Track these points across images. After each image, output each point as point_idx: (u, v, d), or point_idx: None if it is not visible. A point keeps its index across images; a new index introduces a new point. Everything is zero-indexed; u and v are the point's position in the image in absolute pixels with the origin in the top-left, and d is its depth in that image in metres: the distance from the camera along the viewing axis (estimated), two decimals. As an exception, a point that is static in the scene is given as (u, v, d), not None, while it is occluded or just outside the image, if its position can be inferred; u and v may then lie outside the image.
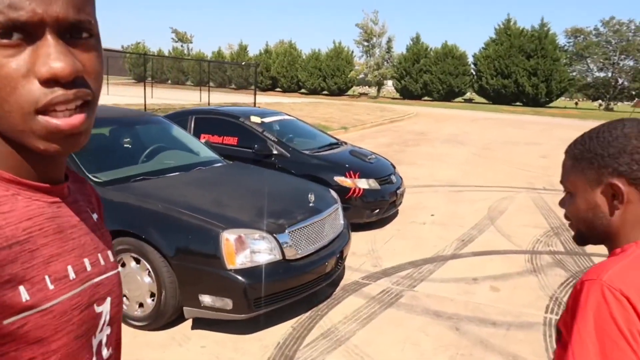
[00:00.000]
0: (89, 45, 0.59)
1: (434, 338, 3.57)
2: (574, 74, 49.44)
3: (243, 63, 41.55)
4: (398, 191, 6.36)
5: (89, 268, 0.69)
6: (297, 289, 3.53)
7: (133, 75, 56.49)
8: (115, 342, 0.77)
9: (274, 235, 3.39)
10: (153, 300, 3.36)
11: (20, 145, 0.59)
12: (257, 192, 4.00)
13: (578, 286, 0.93)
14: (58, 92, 0.55)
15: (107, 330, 0.73)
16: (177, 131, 5.18)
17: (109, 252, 0.76)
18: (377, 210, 6.02)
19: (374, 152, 7.27)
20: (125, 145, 4.60)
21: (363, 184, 5.93)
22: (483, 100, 46.97)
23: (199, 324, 3.54)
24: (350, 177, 5.91)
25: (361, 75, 53.39)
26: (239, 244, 3.24)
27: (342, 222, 4.30)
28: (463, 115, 28.87)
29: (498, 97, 43.82)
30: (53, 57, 0.54)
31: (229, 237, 3.22)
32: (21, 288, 0.56)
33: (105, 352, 0.73)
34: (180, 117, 6.79)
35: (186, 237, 3.27)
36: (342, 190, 5.80)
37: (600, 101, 55.38)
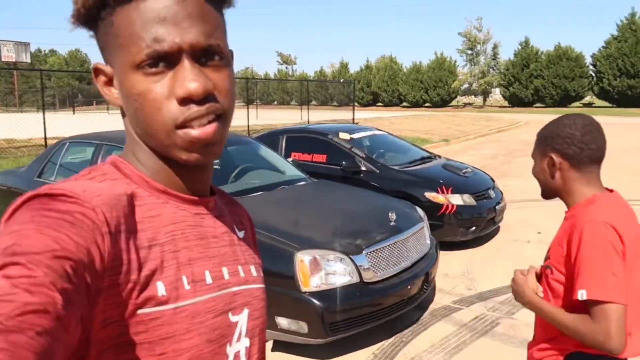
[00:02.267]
0: (220, 66, 0.66)
1: (533, 374, 3.17)
2: None
3: (342, 80, 42.13)
4: (497, 207, 5.89)
5: (226, 277, 0.73)
6: (377, 313, 3.34)
7: (242, 99, 60.03)
8: (256, 357, 0.78)
9: (350, 256, 3.26)
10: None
11: (168, 159, 0.68)
12: (337, 211, 3.90)
13: (578, 228, 1.39)
14: (193, 109, 0.63)
15: (246, 343, 0.75)
16: (265, 151, 5.28)
17: (252, 267, 0.80)
18: (474, 228, 5.61)
19: (475, 164, 6.85)
20: (214, 167, 4.77)
21: (456, 199, 5.57)
22: (605, 103, 42.74)
23: (279, 346, 3.49)
24: (443, 192, 5.59)
25: (465, 85, 51.54)
26: (313, 265, 3.15)
27: (428, 242, 4.04)
28: (581, 121, 26.41)
29: (623, 100, 39.56)
30: (188, 79, 0.62)
31: (303, 258, 3.15)
32: (159, 283, 0.62)
33: None
34: (273, 136, 6.96)
35: (262, 258, 3.25)
36: (434, 207, 5.51)
37: None
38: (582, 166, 1.48)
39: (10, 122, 13.62)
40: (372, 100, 52.76)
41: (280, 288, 3.18)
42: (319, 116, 24.68)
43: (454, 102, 51.00)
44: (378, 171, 5.98)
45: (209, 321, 0.68)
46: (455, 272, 4.99)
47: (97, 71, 0.70)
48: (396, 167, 6.08)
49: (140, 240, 0.63)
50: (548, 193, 1.59)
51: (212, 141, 0.65)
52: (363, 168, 6.02)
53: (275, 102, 58.26)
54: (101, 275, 0.55)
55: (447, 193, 5.59)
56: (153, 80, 0.63)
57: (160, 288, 0.62)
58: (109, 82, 0.69)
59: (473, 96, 59.36)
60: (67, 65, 56.56)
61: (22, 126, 12.40)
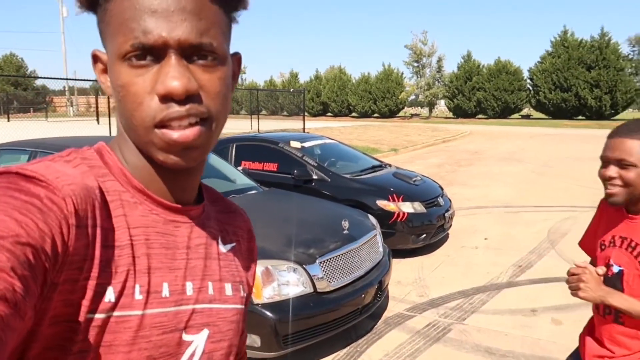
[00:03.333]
0: (212, 66, 0.62)
1: (485, 379, 3.19)
2: (641, 83, 46.55)
3: (292, 90, 42.23)
4: (447, 214, 5.99)
5: (189, 292, 0.68)
6: (331, 323, 3.27)
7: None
8: None
9: (304, 266, 3.18)
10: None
11: (148, 157, 0.65)
12: (289, 220, 3.81)
13: None
14: (173, 109, 0.59)
15: None
16: (214, 159, 5.13)
17: (229, 284, 0.74)
18: (424, 235, 5.67)
19: (423, 173, 6.95)
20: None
21: (407, 207, 5.62)
22: (542, 115, 45.11)
23: (229, 361, 3.35)
24: (394, 200, 5.62)
25: (412, 97, 52.92)
26: (266, 276, 3.05)
27: (381, 249, 4.03)
28: (520, 132, 27.71)
29: (558, 112, 41.91)
30: (170, 75, 0.58)
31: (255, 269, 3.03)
32: (109, 288, 0.59)
33: None
34: (222, 145, 6.80)
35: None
36: (386, 215, 5.52)
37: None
38: None
39: None
40: (322, 111, 53.14)
41: (231, 301, 3.05)
42: (269, 125, 24.54)
43: (401, 113, 52.21)
44: (330, 180, 5.95)
45: (155, 337, 0.62)
46: (407, 279, 5.01)
47: (95, 58, 0.68)
48: (348, 176, 6.07)
49: (102, 238, 0.60)
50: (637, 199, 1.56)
51: (192, 145, 0.61)
52: (315, 177, 5.97)
53: (224, 111, 57.55)
54: (60, 268, 0.53)
55: (398, 201, 5.63)
56: (137, 73, 0.60)
57: (109, 293, 0.59)
58: (105, 70, 0.67)
59: (419, 107, 61.03)
60: (1, 70, 53.49)
61: (-51, 134, 11.52)
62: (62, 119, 31.33)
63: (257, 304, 3.00)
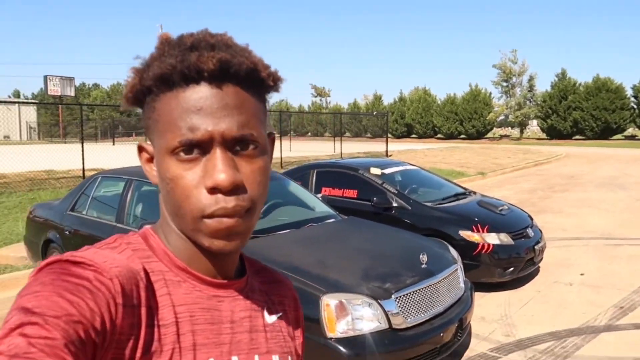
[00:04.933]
0: (254, 156, 0.66)
1: None
2: None
3: (375, 113, 42.25)
4: (536, 246, 5.61)
5: None
6: (407, 362, 3.15)
7: (277, 130, 61.01)
8: None
9: (379, 301, 3.10)
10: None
11: (193, 241, 0.69)
12: (366, 251, 3.76)
13: None
14: (220, 205, 0.63)
15: None
16: (294, 187, 5.22)
17: (276, 357, 0.76)
18: (511, 269, 5.35)
19: (513, 198, 6.59)
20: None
21: (493, 238, 5.34)
22: (649, 135, 41.22)
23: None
24: (478, 231, 5.37)
25: (501, 117, 50.74)
26: (339, 310, 3.01)
27: (462, 285, 3.84)
28: (623, 155, 25.49)
29: (669, 132, 38.11)
30: (218, 169, 0.62)
31: (329, 302, 3.01)
32: None
33: None
34: (303, 171, 6.93)
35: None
36: (469, 246, 5.29)
37: None
38: None
39: (52, 153, 14.04)
40: (406, 132, 52.56)
41: (306, 333, 3.04)
42: (352, 148, 24.68)
43: (489, 134, 50.23)
44: (410, 208, 5.82)
45: None
46: (492, 315, 4.72)
47: (141, 149, 0.73)
48: (429, 204, 5.90)
49: (148, 318, 0.62)
50: None
51: (236, 232, 0.65)
52: (395, 204, 5.88)
53: (310, 134, 58.80)
54: (107, 346, 0.56)
55: (483, 232, 5.36)
56: (186, 167, 0.64)
57: None
58: (150, 160, 0.72)
59: (509, 128, 58.36)
60: (110, 99, 58.95)
61: (63, 157, 12.81)
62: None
63: (331, 338, 2.96)
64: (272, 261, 3.38)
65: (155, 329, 0.63)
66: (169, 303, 0.66)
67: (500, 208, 6.02)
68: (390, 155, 20.85)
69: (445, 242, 5.14)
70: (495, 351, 3.99)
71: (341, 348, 2.94)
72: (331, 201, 5.65)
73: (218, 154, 0.63)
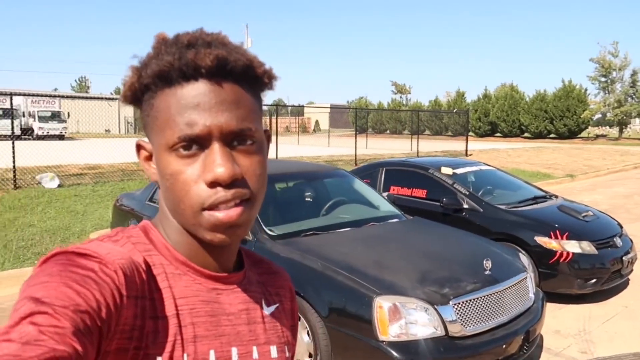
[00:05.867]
0: (252, 150, 0.68)
1: None
2: None
3: (455, 110, 40.75)
4: (625, 257, 5.12)
5: (234, 358, 0.72)
6: (464, 373, 2.99)
7: (353, 127, 60.87)
8: None
9: (435, 306, 2.97)
10: (310, 360, 3.25)
11: (192, 235, 0.70)
12: (427, 253, 3.62)
13: None
14: (220, 194, 0.64)
15: None
16: (360, 185, 5.15)
17: (274, 347, 0.78)
18: (594, 280, 4.92)
19: (605, 204, 6.08)
20: (306, 199, 4.75)
21: (573, 246, 4.94)
22: None
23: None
24: (556, 237, 4.99)
25: (598, 115, 47.01)
26: (393, 313, 2.92)
27: (531, 295, 3.58)
28: None
29: None
30: (217, 163, 0.63)
31: (382, 304, 2.93)
32: (158, 358, 0.63)
33: None
34: (372, 169, 6.83)
35: (340, 299, 3.10)
36: (545, 254, 4.94)
37: None
38: None
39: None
40: (490, 131, 50.30)
41: (356, 333, 2.99)
42: (430, 146, 24.06)
43: (583, 134, 46.75)
44: (482, 210, 5.54)
45: None
46: (568, 329, 4.37)
47: (139, 147, 0.74)
48: (503, 207, 5.58)
49: (151, 309, 0.64)
50: None
51: (236, 224, 0.66)
52: (465, 206, 5.62)
53: (388, 131, 58.13)
54: (112, 336, 0.58)
55: (562, 239, 4.98)
56: (185, 162, 0.65)
57: None
58: (149, 158, 0.73)
59: (607, 127, 53.94)
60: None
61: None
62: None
63: (382, 341, 2.88)
64: (328, 259, 3.35)
65: (158, 321, 0.64)
66: (170, 295, 0.67)
67: (583, 214, 5.56)
68: (470, 155, 20.06)
69: (517, 248, 4.85)
70: (569, 368, 3.68)
71: (393, 352, 2.85)
72: (399, 201, 5.51)
73: (217, 149, 0.64)
